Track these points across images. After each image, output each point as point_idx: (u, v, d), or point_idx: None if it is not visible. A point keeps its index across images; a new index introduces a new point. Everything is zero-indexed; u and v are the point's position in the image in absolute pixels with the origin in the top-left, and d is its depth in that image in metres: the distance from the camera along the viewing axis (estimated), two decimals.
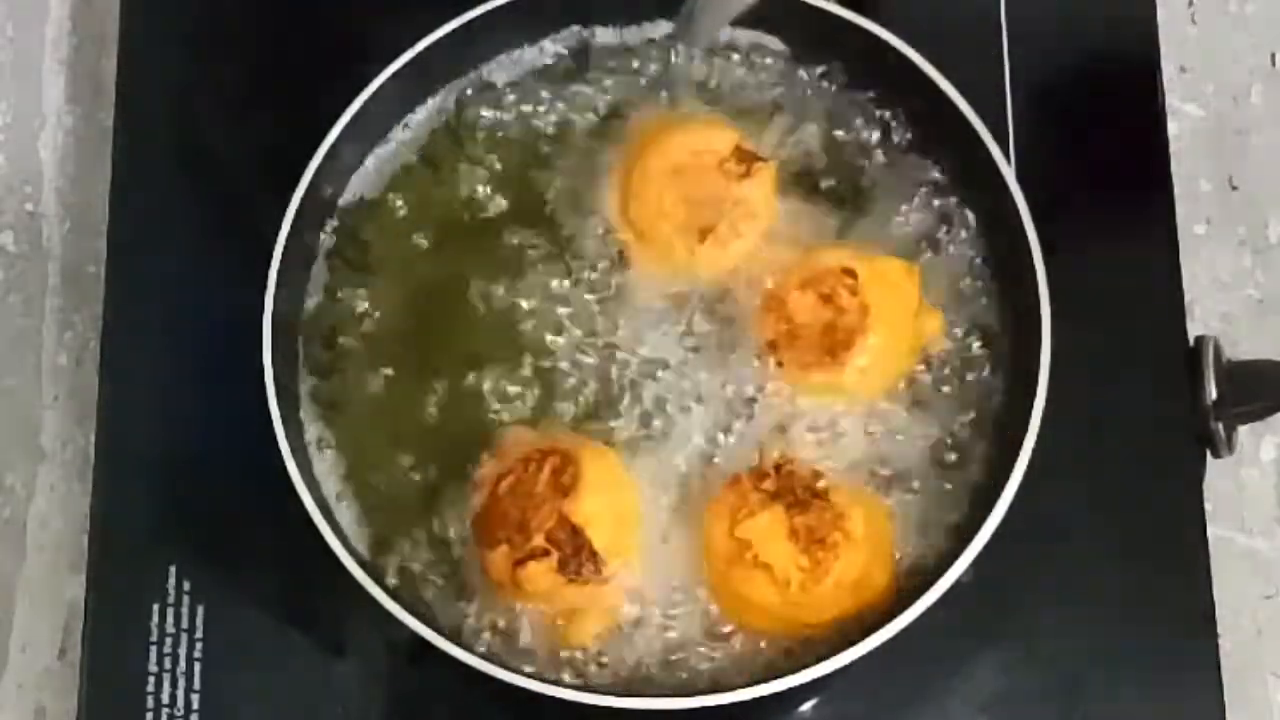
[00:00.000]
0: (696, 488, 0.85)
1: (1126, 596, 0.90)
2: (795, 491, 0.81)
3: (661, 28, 0.93)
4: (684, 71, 0.92)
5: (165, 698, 0.90)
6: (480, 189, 0.92)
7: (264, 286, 0.85)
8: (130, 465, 0.94)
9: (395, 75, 0.89)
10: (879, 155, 0.91)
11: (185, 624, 0.91)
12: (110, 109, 1.02)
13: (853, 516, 0.81)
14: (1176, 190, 0.98)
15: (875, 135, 0.91)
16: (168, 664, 0.90)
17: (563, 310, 0.89)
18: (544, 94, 0.93)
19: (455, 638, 0.80)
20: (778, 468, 0.82)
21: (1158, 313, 0.95)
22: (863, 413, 0.86)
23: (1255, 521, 1.04)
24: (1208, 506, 0.93)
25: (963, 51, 0.94)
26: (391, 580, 0.84)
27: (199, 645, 0.90)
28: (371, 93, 0.89)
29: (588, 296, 0.89)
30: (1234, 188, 1.10)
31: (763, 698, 0.78)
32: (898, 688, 0.89)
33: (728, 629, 0.83)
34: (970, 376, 0.87)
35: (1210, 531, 0.92)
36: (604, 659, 0.83)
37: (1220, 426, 0.91)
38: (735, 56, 0.93)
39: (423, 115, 0.93)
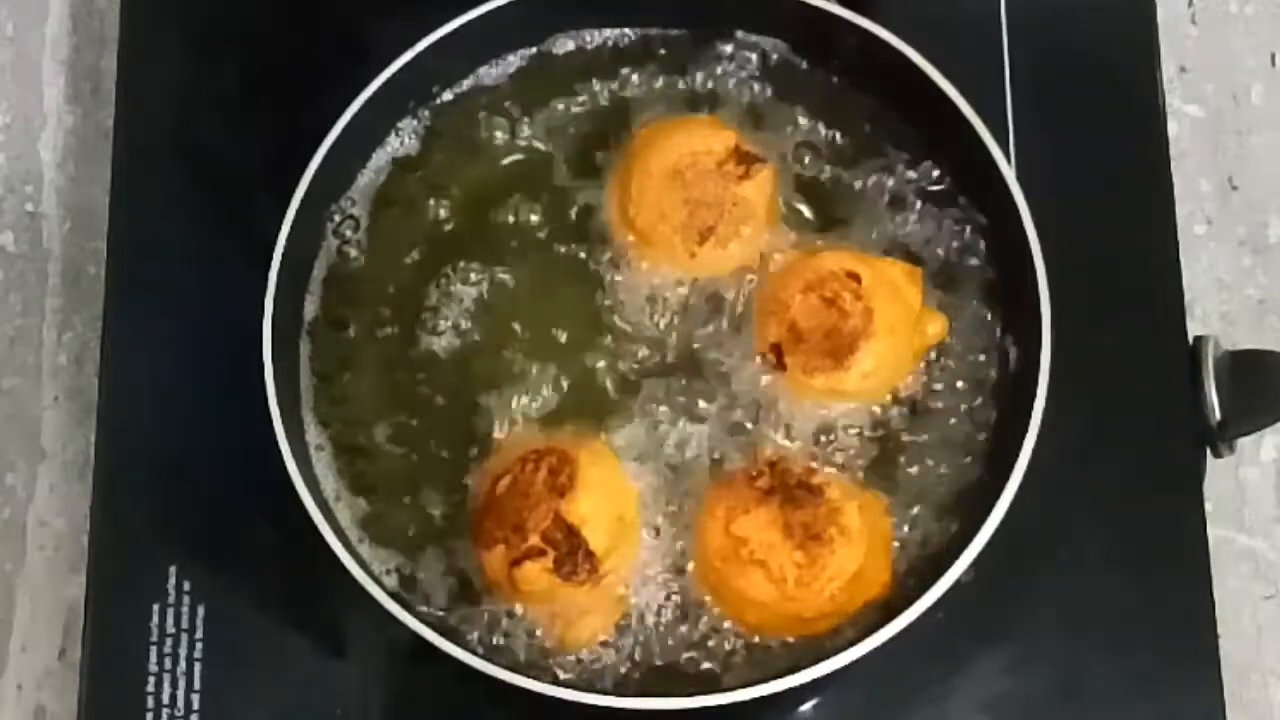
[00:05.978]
0: (694, 487, 0.85)
1: (1126, 596, 0.90)
2: (790, 488, 0.81)
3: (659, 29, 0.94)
4: (679, 76, 0.93)
5: (165, 698, 0.90)
6: (480, 190, 0.92)
7: (264, 287, 0.85)
8: (130, 465, 0.94)
9: (396, 76, 0.89)
10: (880, 156, 0.91)
11: (185, 624, 0.90)
12: (110, 109, 1.02)
13: (848, 512, 0.81)
14: (1176, 190, 0.98)
15: (875, 136, 0.91)
16: (168, 664, 0.90)
17: (563, 312, 0.89)
18: (545, 94, 0.93)
19: (455, 638, 0.80)
20: (772, 464, 0.82)
21: (1158, 313, 0.95)
22: (863, 414, 0.86)
23: (1255, 521, 1.04)
24: (1208, 506, 0.92)
25: (963, 51, 0.94)
26: (391, 580, 0.84)
27: (199, 645, 0.90)
28: (372, 93, 0.88)
29: (589, 297, 0.89)
30: (1234, 188, 1.09)
31: (763, 698, 0.78)
32: (898, 688, 0.89)
33: (726, 627, 0.83)
34: (970, 377, 0.87)
35: (1210, 531, 0.92)
36: (603, 659, 0.83)
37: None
38: (735, 57, 0.93)
39: (422, 116, 0.93)
